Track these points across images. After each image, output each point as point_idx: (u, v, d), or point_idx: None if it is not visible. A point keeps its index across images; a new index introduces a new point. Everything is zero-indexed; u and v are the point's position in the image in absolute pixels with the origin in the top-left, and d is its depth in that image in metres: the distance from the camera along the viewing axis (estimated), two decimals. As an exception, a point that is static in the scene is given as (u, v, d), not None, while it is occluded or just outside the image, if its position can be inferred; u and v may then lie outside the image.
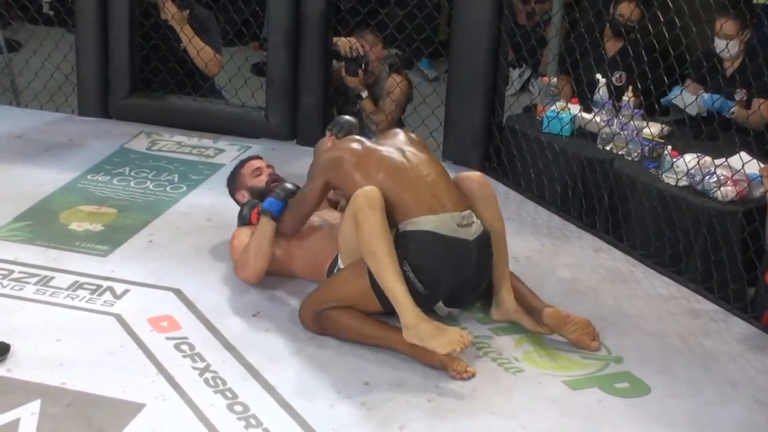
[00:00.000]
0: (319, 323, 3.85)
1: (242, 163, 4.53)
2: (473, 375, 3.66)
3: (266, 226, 4.10)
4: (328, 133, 4.24)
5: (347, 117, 4.29)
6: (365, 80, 5.74)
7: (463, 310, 4.02)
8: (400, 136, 4.08)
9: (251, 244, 4.12)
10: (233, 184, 4.51)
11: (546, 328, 3.90)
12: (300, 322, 3.91)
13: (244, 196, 4.43)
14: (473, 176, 4.05)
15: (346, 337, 3.83)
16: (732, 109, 5.16)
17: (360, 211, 3.72)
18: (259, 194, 4.34)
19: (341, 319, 3.82)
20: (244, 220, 4.27)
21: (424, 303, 3.76)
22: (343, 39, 5.70)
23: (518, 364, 3.76)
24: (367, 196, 3.74)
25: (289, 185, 4.15)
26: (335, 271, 3.99)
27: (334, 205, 4.34)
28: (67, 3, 6.16)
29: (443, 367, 3.67)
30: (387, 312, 3.78)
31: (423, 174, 3.88)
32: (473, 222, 3.84)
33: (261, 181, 4.42)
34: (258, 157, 4.60)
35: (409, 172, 3.88)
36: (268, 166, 4.49)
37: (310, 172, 4.10)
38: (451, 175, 4.02)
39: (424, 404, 3.51)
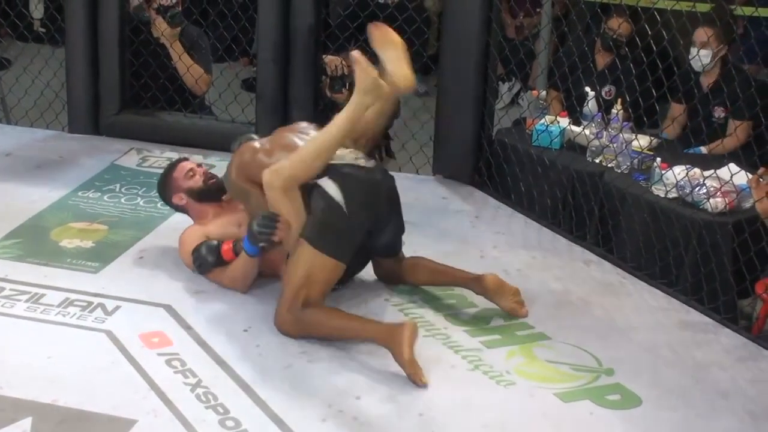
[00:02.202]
0: (297, 326, 3.89)
1: (172, 167, 4.51)
2: (425, 385, 3.67)
3: (249, 265, 4.15)
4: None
5: (248, 134, 4.39)
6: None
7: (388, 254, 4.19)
8: (299, 123, 4.28)
9: (235, 276, 4.18)
10: (166, 189, 4.50)
11: (486, 293, 4.11)
12: (278, 330, 3.93)
13: (182, 198, 4.42)
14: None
15: (325, 335, 3.88)
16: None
17: (284, 181, 3.88)
18: (198, 194, 4.39)
19: (318, 318, 3.87)
20: (206, 261, 4.20)
21: (351, 227, 3.90)
22: (330, 57, 5.73)
23: (510, 377, 3.76)
24: (271, 173, 3.88)
25: (259, 226, 3.98)
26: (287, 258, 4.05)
27: None
28: (57, 20, 6.17)
29: (404, 365, 3.68)
30: (349, 268, 3.99)
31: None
32: (372, 160, 4.05)
33: (197, 181, 4.42)
34: (185, 159, 4.61)
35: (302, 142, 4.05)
36: (199, 166, 4.50)
37: (237, 191, 4.18)
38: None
39: (415, 418, 3.51)
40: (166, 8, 5.82)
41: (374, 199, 3.99)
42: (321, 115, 5.68)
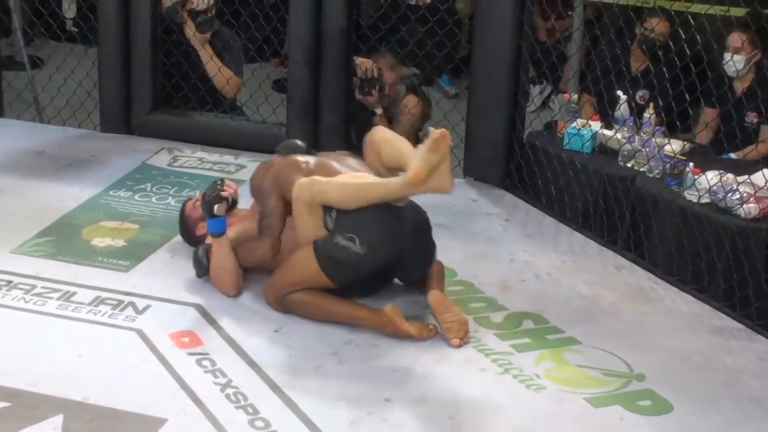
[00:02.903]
0: (284, 304, 4.06)
1: (181, 211, 4.58)
2: (435, 331, 3.95)
3: (222, 248, 4.19)
4: (275, 154, 4.32)
5: (296, 141, 4.39)
6: (381, 102, 5.78)
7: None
8: (342, 154, 4.26)
9: (218, 265, 4.20)
10: (188, 229, 4.52)
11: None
12: (266, 302, 4.10)
13: (203, 227, 4.39)
14: (369, 134, 4.20)
15: (312, 317, 4.02)
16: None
17: (312, 195, 3.90)
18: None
19: (305, 299, 4.02)
20: (201, 263, 4.25)
21: (364, 266, 3.94)
22: (361, 59, 5.73)
23: (539, 381, 3.75)
24: (303, 184, 3.92)
25: (205, 196, 4.19)
26: None
27: None
28: (90, 20, 6.19)
29: (410, 336, 3.91)
30: (340, 288, 4.02)
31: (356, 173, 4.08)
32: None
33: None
34: (190, 199, 4.63)
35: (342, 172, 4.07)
36: (203, 194, 4.48)
37: (260, 194, 4.20)
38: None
39: (445, 421, 3.50)
40: (197, 13, 5.84)
41: (397, 239, 3.97)
42: (352, 117, 5.71)
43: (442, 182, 3.79)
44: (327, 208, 3.92)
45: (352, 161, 4.16)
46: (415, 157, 3.79)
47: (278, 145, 4.37)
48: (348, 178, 3.95)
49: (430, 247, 4.15)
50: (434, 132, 3.76)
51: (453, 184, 3.84)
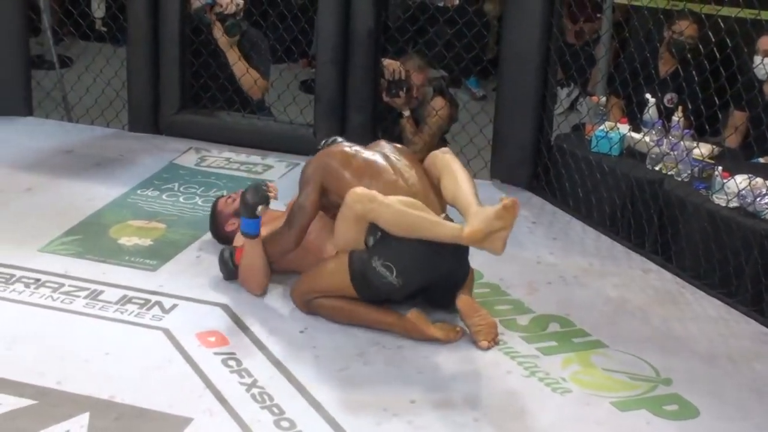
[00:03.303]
0: (310, 307, 4.07)
1: (213, 206, 4.59)
2: (462, 333, 3.97)
3: (254, 247, 4.18)
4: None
5: (339, 139, 4.38)
6: (409, 104, 5.78)
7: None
8: (385, 144, 4.26)
9: (248, 264, 4.20)
10: (218, 224, 4.54)
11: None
12: (293, 303, 4.12)
13: (233, 223, 4.43)
14: (434, 152, 4.22)
15: (338, 321, 4.02)
16: None
17: (365, 211, 3.87)
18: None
19: (332, 304, 4.03)
20: (228, 266, 4.28)
21: (397, 294, 3.96)
22: (388, 61, 5.73)
23: (566, 385, 3.74)
24: (362, 196, 3.87)
25: (247, 196, 4.15)
26: None
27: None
28: (119, 20, 6.22)
29: (436, 339, 3.93)
30: (366, 301, 4.02)
31: (404, 177, 4.07)
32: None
33: (237, 200, 4.44)
34: (222, 196, 4.66)
35: (391, 174, 4.06)
36: (236, 193, 4.49)
37: (301, 181, 4.19)
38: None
39: (470, 423, 3.50)
40: (225, 17, 5.85)
41: (435, 271, 3.96)
42: (380, 117, 5.71)
43: (495, 246, 3.79)
44: (373, 227, 3.91)
45: (387, 148, 4.19)
46: (478, 216, 3.77)
47: (319, 143, 4.38)
48: (408, 207, 3.87)
49: (464, 273, 4.10)
50: (506, 200, 3.74)
51: (504, 249, 3.82)
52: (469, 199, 3.91)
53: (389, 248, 3.89)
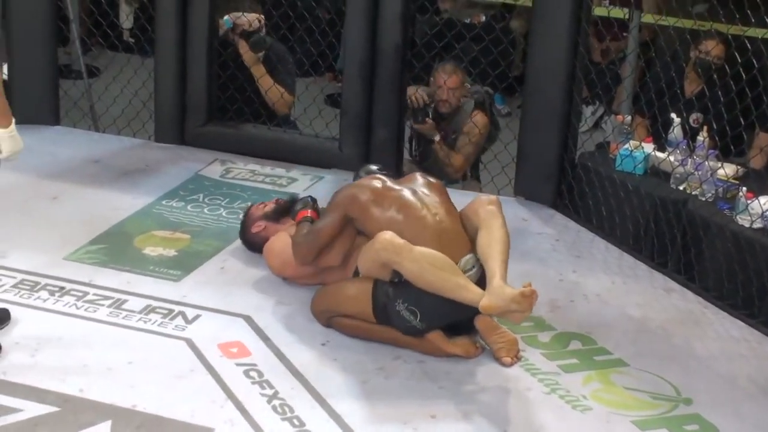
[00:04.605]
0: (330, 323, 4.09)
1: (245, 212, 4.72)
2: (482, 348, 3.98)
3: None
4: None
5: (373, 167, 4.44)
6: (439, 108, 5.79)
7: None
8: (419, 178, 4.27)
9: (297, 241, 4.28)
10: (246, 228, 4.64)
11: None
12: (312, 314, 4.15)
13: (260, 225, 4.54)
14: (481, 197, 4.19)
15: (356, 336, 4.03)
16: None
17: (391, 262, 3.87)
18: (273, 214, 4.56)
19: (352, 323, 4.04)
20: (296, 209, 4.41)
21: (417, 333, 3.95)
22: (411, 88, 5.73)
23: (586, 402, 3.74)
24: (389, 245, 3.86)
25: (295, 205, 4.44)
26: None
27: None
28: (148, 31, 6.26)
29: (458, 354, 3.94)
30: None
31: (432, 212, 4.07)
32: (473, 267, 3.96)
33: (269, 206, 4.60)
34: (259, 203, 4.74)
35: (419, 210, 4.06)
36: (271, 201, 4.65)
37: (328, 207, 4.26)
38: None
39: (490, 439, 3.51)
40: (249, 33, 5.88)
41: (457, 312, 3.92)
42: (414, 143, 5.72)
43: (512, 319, 3.81)
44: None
45: (420, 182, 4.21)
46: (498, 294, 3.75)
47: (357, 172, 4.45)
48: (434, 265, 3.84)
49: None
50: (525, 289, 3.73)
51: (522, 322, 3.89)
52: (496, 268, 3.86)
53: (414, 293, 3.87)
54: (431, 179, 4.30)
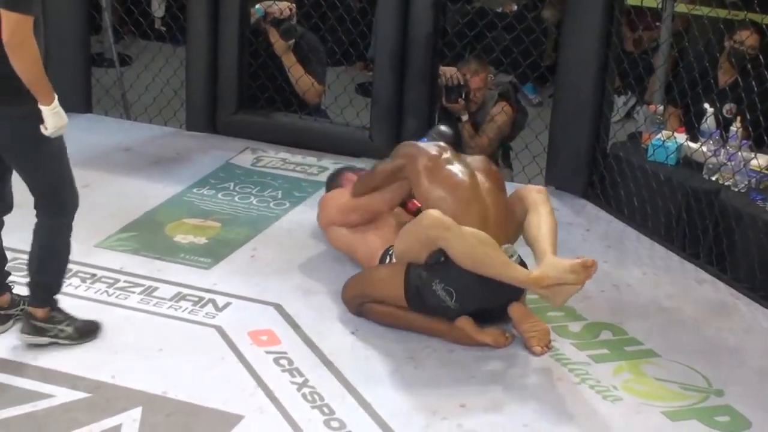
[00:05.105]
0: (360, 310, 4.09)
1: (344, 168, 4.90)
2: (512, 338, 3.97)
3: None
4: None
5: (444, 128, 4.57)
6: (468, 109, 5.77)
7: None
8: (481, 162, 4.29)
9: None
10: (340, 173, 4.81)
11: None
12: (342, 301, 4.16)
13: (351, 179, 4.64)
14: (530, 186, 4.30)
15: (387, 325, 4.03)
16: None
17: (438, 238, 3.85)
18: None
19: (382, 309, 4.04)
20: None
21: (450, 315, 3.94)
22: (446, 68, 5.72)
23: (616, 393, 3.73)
24: (438, 222, 3.85)
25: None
26: (386, 261, 4.17)
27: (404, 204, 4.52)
28: (179, 20, 6.27)
29: (487, 344, 3.93)
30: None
31: (481, 196, 4.08)
32: (512, 255, 3.95)
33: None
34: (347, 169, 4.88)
35: (468, 192, 4.07)
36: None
37: (392, 153, 4.34)
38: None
39: (519, 429, 3.50)
40: (279, 21, 5.88)
41: (494, 296, 3.95)
42: (437, 120, 5.70)
43: (557, 298, 3.82)
44: (439, 249, 3.89)
45: (480, 166, 4.23)
46: (553, 265, 3.78)
47: (432, 129, 4.63)
48: (480, 243, 3.84)
49: (519, 294, 4.05)
50: (587, 260, 3.75)
51: (563, 304, 3.88)
52: (547, 246, 3.90)
53: (452, 273, 3.87)
54: (493, 167, 4.33)
